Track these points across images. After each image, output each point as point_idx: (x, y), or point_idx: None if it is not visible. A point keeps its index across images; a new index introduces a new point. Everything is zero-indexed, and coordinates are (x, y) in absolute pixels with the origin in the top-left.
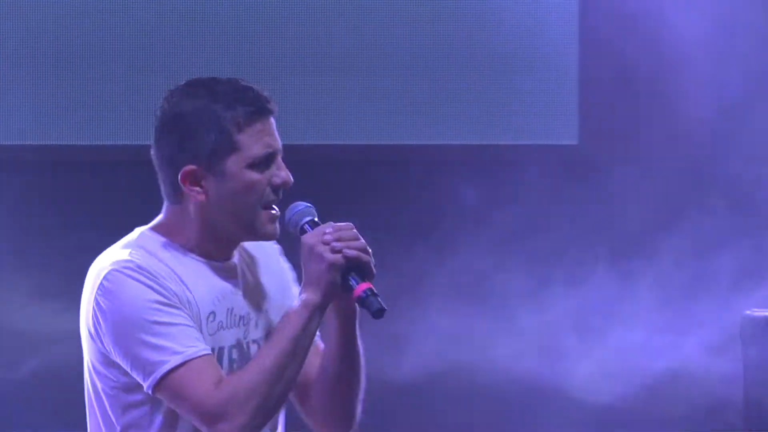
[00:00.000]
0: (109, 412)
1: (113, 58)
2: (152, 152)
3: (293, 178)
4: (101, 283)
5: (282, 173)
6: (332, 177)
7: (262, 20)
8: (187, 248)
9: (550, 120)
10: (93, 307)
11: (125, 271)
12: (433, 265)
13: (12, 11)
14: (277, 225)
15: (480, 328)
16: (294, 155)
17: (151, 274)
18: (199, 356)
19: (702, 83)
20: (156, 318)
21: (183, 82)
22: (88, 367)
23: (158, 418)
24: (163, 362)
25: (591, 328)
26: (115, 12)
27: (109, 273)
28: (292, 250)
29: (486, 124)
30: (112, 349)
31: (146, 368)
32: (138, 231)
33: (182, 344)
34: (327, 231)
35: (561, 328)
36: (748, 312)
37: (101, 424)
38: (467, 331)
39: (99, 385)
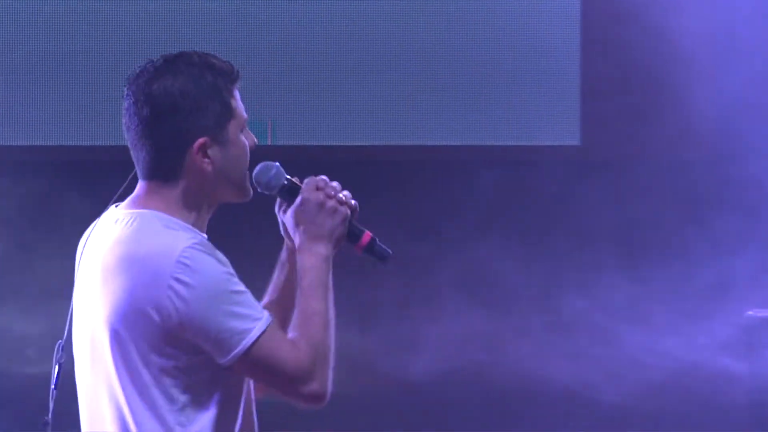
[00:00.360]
0: (169, 391)
1: (115, 59)
2: (143, 134)
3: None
4: (179, 262)
5: (252, 135)
6: (340, 178)
7: (264, 21)
8: (190, 223)
9: (553, 121)
10: (170, 287)
11: (198, 247)
12: (441, 266)
13: (14, 13)
14: None
15: (489, 328)
16: (305, 155)
17: (211, 248)
18: (272, 319)
19: (705, 82)
20: (234, 288)
21: (154, 62)
22: (137, 350)
23: (216, 396)
24: (249, 329)
25: (597, 328)
26: (115, 13)
27: (184, 251)
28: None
29: (489, 125)
30: (190, 326)
31: (233, 338)
32: (134, 212)
33: (257, 310)
34: (320, 185)
35: (566, 327)
36: (751, 312)
37: (154, 402)
38: (478, 332)
39: (157, 365)
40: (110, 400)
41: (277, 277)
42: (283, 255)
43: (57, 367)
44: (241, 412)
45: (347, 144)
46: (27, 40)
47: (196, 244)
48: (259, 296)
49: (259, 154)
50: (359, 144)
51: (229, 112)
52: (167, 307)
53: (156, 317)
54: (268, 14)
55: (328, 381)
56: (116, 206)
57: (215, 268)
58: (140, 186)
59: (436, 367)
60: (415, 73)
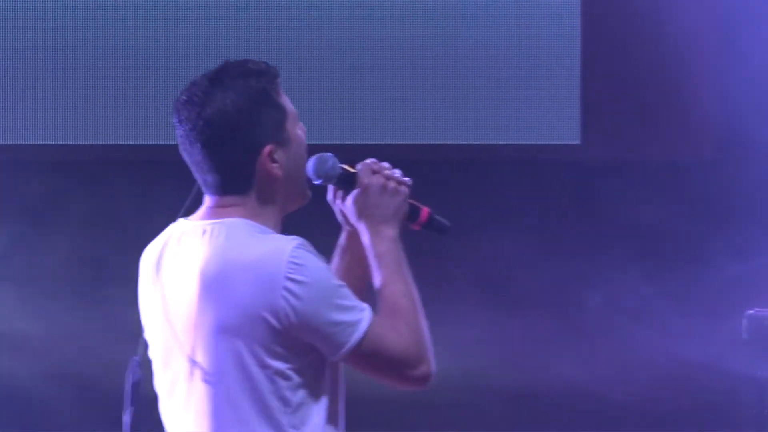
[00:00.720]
0: (283, 393)
1: (118, 60)
2: (208, 155)
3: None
4: (291, 262)
5: (302, 124)
6: None
7: (271, 21)
8: (272, 229)
9: (553, 120)
10: (285, 288)
11: (304, 246)
12: (446, 266)
13: (20, 12)
14: None
15: (498, 328)
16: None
17: (311, 246)
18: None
19: (707, 81)
20: (338, 282)
21: (199, 85)
22: (252, 356)
23: (323, 394)
24: (358, 321)
25: (599, 328)
26: (120, 13)
27: (293, 251)
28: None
29: (488, 125)
30: (306, 324)
31: (346, 330)
32: (217, 222)
33: (359, 301)
34: (375, 168)
35: (573, 327)
36: (751, 312)
37: (268, 406)
38: (487, 331)
39: (272, 369)
40: (219, 408)
41: (339, 265)
42: (343, 242)
43: (133, 384)
44: (342, 407)
45: (349, 143)
46: (32, 38)
47: (300, 244)
48: None
49: None
50: (360, 143)
51: (282, 112)
52: (284, 308)
53: (272, 320)
54: (267, 12)
55: (432, 361)
56: (186, 219)
57: (321, 265)
58: (211, 199)
59: (446, 366)
60: (416, 72)
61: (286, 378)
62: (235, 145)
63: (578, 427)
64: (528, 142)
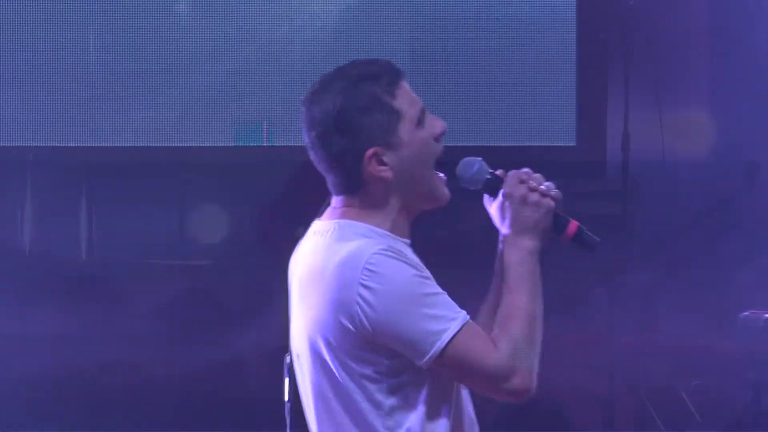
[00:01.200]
0: (374, 397)
1: (125, 63)
2: (317, 155)
3: (304, 183)
4: (365, 269)
5: (437, 121)
6: None
7: (259, 21)
8: (386, 229)
9: (549, 122)
10: (358, 294)
11: (384, 253)
12: (445, 269)
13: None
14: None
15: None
16: (302, 156)
17: (401, 252)
18: (469, 319)
19: (701, 84)
20: (424, 290)
21: (313, 86)
22: (336, 360)
23: (423, 397)
24: (444, 330)
25: (595, 330)
26: (128, 19)
27: (371, 257)
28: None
29: (485, 126)
30: (382, 332)
31: (428, 339)
32: (331, 222)
33: (453, 310)
34: (524, 178)
35: (563, 329)
36: (746, 313)
37: (359, 410)
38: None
39: (357, 373)
40: (318, 410)
41: (498, 267)
42: (501, 246)
43: (288, 380)
44: (452, 410)
45: None
46: (25, 40)
47: (383, 249)
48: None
49: (257, 155)
50: None
51: (395, 115)
52: (358, 314)
53: (349, 325)
54: (264, 14)
55: (530, 376)
56: (319, 219)
57: (403, 272)
58: (333, 200)
59: None
60: (412, 74)
61: (375, 381)
62: (338, 146)
63: (580, 427)
64: (524, 144)
